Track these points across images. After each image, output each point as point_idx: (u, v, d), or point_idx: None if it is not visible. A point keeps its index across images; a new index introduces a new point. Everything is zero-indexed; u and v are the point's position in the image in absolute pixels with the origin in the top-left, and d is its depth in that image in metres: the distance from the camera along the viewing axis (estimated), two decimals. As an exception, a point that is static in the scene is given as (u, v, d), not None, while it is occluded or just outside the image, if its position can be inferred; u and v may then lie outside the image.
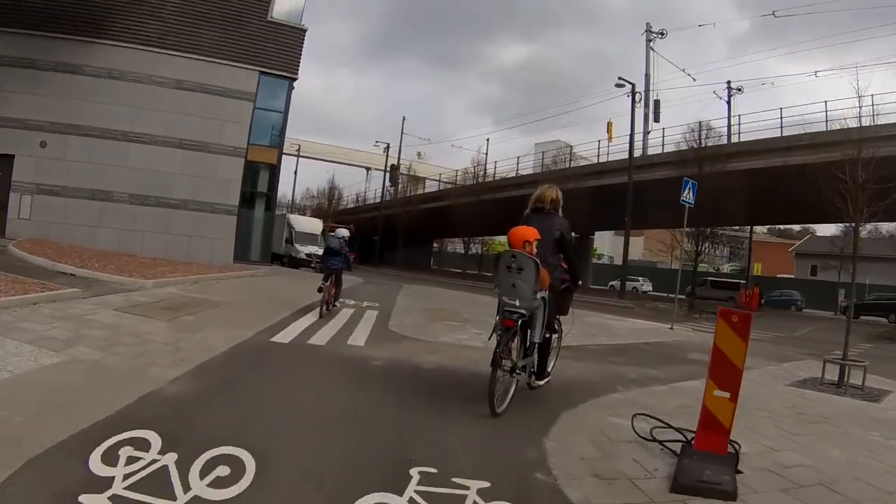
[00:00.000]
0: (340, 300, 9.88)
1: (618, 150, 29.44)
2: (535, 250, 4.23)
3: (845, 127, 18.80)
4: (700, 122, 25.04)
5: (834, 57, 78.23)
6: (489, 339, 4.44)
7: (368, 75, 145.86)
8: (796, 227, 58.43)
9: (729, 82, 29.48)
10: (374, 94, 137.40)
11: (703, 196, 14.75)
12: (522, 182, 31.99)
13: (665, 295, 31.21)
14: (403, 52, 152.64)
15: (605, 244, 61.35)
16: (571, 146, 35.13)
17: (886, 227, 35.54)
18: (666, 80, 48.25)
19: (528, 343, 4.34)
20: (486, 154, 44.23)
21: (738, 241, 63.45)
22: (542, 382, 4.71)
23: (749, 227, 35.92)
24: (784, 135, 22.99)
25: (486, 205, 34.14)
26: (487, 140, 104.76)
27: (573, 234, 4.94)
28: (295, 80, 19.16)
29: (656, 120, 29.33)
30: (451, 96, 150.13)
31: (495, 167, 39.83)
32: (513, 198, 28.31)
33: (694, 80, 51.41)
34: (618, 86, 27.72)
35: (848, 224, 10.32)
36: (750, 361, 4.19)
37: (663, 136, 28.13)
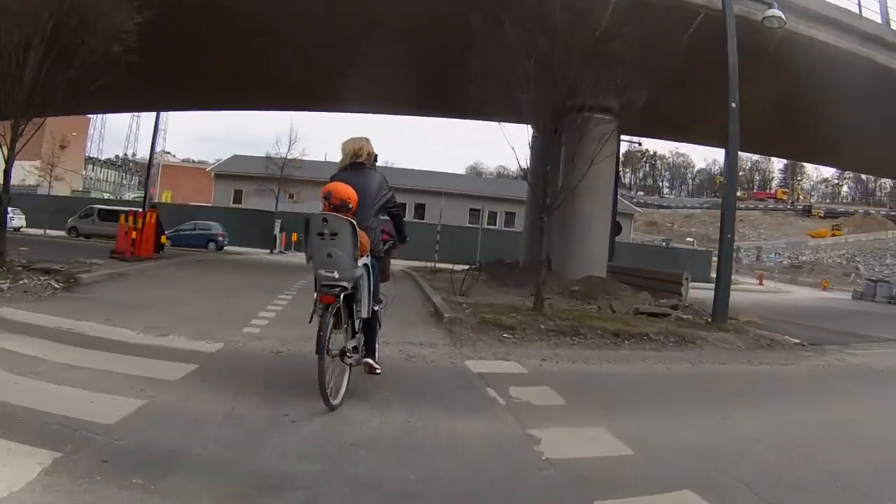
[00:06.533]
0: None
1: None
2: (352, 213, 3.79)
3: None
4: None
5: None
6: (310, 321, 3.86)
7: None
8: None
9: None
10: None
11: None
12: None
13: (49, 233, 22.49)
14: None
15: None
16: None
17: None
18: None
19: (355, 320, 3.92)
20: None
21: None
22: (377, 367, 4.14)
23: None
24: None
25: None
26: None
27: None
28: None
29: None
30: None
31: None
32: None
33: None
34: None
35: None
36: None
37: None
